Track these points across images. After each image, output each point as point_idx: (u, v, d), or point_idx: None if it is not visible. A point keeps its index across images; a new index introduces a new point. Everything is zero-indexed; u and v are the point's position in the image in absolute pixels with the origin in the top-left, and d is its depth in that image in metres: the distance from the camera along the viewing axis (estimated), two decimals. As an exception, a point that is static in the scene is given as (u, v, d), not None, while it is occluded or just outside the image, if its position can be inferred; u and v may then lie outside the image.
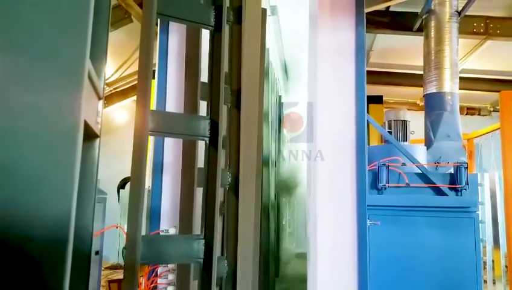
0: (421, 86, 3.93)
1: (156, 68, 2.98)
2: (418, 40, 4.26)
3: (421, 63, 3.92)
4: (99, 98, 0.98)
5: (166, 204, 2.84)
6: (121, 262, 6.60)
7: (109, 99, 7.63)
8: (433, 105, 3.68)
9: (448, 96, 3.61)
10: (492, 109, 8.37)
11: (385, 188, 3.01)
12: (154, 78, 2.99)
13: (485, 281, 5.05)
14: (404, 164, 3.08)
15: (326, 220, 2.75)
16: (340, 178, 2.77)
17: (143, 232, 2.81)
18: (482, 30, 4.68)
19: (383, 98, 7.07)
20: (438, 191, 3.00)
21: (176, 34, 2.97)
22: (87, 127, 0.83)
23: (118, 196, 6.76)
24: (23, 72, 0.65)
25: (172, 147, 2.84)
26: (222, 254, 1.76)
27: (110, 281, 5.30)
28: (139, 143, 1.47)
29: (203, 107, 1.90)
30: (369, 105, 6.16)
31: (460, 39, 3.98)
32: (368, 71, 2.98)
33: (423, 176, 3.03)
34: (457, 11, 3.74)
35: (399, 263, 2.91)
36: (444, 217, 2.92)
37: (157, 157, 2.88)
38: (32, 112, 0.64)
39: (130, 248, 1.43)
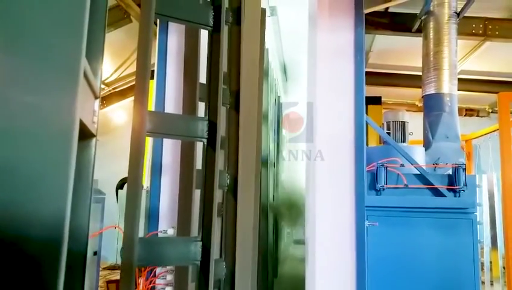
0: (420, 87, 3.93)
1: (155, 68, 2.98)
2: (417, 41, 4.27)
3: (419, 64, 3.92)
4: (96, 97, 0.98)
5: (165, 205, 2.84)
6: (120, 262, 6.58)
7: (108, 99, 7.62)
8: (431, 106, 3.68)
9: (447, 97, 3.61)
10: (490, 110, 8.38)
11: (383, 189, 3.01)
12: (153, 78, 2.99)
13: (483, 282, 5.07)
14: (402, 165, 3.09)
15: (324, 220, 2.75)
16: (339, 179, 2.78)
17: (141, 233, 2.82)
18: (480, 31, 4.69)
19: (382, 99, 7.08)
20: (436, 192, 3.00)
21: (175, 34, 2.97)
22: (83, 126, 0.83)
23: (117, 196, 6.74)
24: (17, 71, 0.64)
25: (171, 148, 2.84)
26: (221, 255, 1.76)
27: (109, 282, 5.30)
28: (136, 144, 1.46)
29: (203, 108, 1.90)
30: (368, 106, 6.18)
31: (459, 40, 3.99)
32: (366, 72, 2.98)
33: (421, 177, 3.04)
34: (456, 12, 3.74)
35: (397, 264, 2.91)
36: (442, 218, 2.93)
37: (156, 158, 2.88)
38: (27, 110, 0.64)
39: (127, 250, 1.42)
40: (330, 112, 2.84)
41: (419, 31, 4.18)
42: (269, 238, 3.92)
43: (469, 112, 8.39)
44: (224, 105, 1.81)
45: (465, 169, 3.01)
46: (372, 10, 3.32)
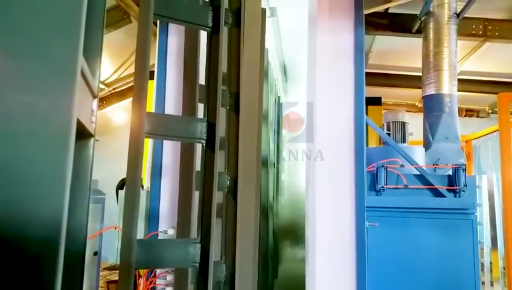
0: (420, 88, 3.94)
1: (155, 69, 2.98)
2: (417, 42, 4.27)
3: (419, 64, 3.93)
4: (94, 97, 0.97)
5: (165, 205, 2.84)
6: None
7: (108, 100, 7.62)
8: (431, 107, 3.69)
9: (446, 98, 3.62)
10: (490, 111, 8.38)
11: (383, 189, 3.01)
12: (153, 79, 2.99)
13: (483, 283, 5.07)
14: (402, 166, 3.09)
15: (324, 221, 2.75)
16: (339, 179, 2.78)
17: (141, 233, 2.83)
18: (480, 32, 4.70)
19: (382, 100, 7.08)
20: (436, 193, 3.00)
21: (176, 34, 2.97)
22: (80, 125, 0.82)
23: (117, 197, 6.73)
24: (13, 69, 0.63)
25: (171, 149, 2.84)
26: (222, 257, 1.75)
27: (109, 282, 5.30)
28: (135, 145, 1.45)
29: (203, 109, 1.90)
30: (368, 106, 6.18)
31: (459, 41, 3.99)
32: (366, 73, 2.98)
33: (421, 178, 3.04)
34: (456, 13, 3.75)
35: (397, 264, 2.92)
36: (442, 218, 2.93)
37: (156, 158, 2.88)
38: (23, 109, 0.63)
39: (125, 251, 1.41)
40: (330, 112, 2.84)
41: (419, 31, 4.18)
42: (269, 238, 3.92)
43: (469, 113, 8.39)
44: (224, 106, 1.81)
45: (465, 170, 3.02)
46: (372, 11, 3.33)
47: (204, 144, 1.67)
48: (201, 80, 1.90)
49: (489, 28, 4.69)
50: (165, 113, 2.90)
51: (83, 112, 0.84)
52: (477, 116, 8.47)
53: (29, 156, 0.63)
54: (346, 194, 2.76)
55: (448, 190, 2.99)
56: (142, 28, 1.51)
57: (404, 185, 3.02)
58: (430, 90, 3.69)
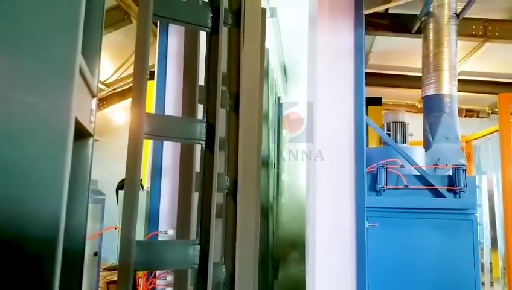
0: (420, 88, 3.94)
1: (156, 70, 2.98)
2: (417, 42, 4.27)
3: (419, 65, 3.93)
4: (93, 96, 0.96)
5: (165, 206, 2.85)
6: (120, 263, 6.55)
7: (108, 100, 7.62)
8: (431, 107, 3.68)
9: (446, 98, 3.62)
10: (490, 111, 8.38)
11: (383, 190, 3.01)
12: (153, 80, 2.99)
13: (483, 283, 5.07)
14: (402, 166, 3.09)
15: (324, 221, 2.75)
16: (339, 180, 2.78)
17: (142, 233, 2.83)
18: (480, 32, 4.70)
19: (382, 100, 7.08)
20: (437, 193, 3.00)
21: (176, 35, 2.97)
22: (79, 125, 0.82)
23: (117, 197, 6.73)
24: (10, 68, 0.63)
25: (171, 150, 2.84)
26: (222, 258, 1.74)
27: (109, 282, 5.30)
28: (134, 146, 1.44)
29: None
30: (368, 107, 6.18)
31: (459, 41, 3.99)
32: (366, 73, 2.98)
33: (421, 178, 3.04)
34: (456, 14, 3.75)
35: (397, 264, 2.91)
36: (442, 219, 2.93)
37: (156, 159, 2.88)
38: (20, 108, 0.62)
39: (124, 252, 1.40)
40: (330, 113, 2.84)
41: (419, 32, 4.18)
42: (269, 239, 3.92)
43: (469, 113, 8.39)
44: (224, 107, 1.80)
45: (465, 170, 3.02)
46: (372, 11, 3.33)
47: (203, 145, 1.66)
48: (202, 81, 1.90)
49: (490, 28, 4.69)
50: (166, 113, 2.90)
51: (82, 112, 0.83)
52: (477, 117, 8.47)
53: (27, 155, 0.62)
54: (347, 195, 2.76)
55: (448, 190, 2.99)
56: (141, 28, 1.50)
57: (404, 186, 3.01)
58: (430, 91, 3.69)
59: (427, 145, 3.64)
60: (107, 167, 6.51)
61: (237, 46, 1.82)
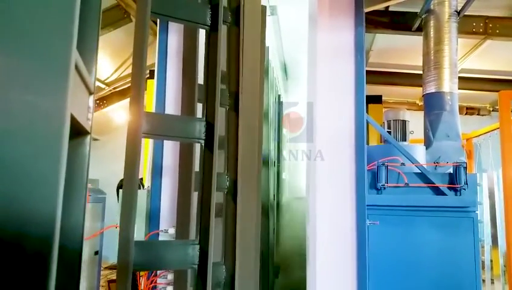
0: (421, 86, 3.93)
1: (156, 69, 2.97)
2: (417, 40, 4.26)
3: (420, 62, 3.92)
4: (90, 93, 0.95)
5: (166, 205, 2.85)
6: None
7: (109, 99, 7.62)
8: (432, 105, 3.68)
9: (447, 96, 3.61)
10: (491, 109, 8.37)
11: (384, 188, 3.01)
12: (153, 78, 2.99)
13: (484, 281, 5.07)
14: (403, 164, 3.09)
15: (325, 220, 2.75)
16: (340, 178, 2.77)
17: (142, 232, 2.83)
18: (481, 30, 4.69)
19: (383, 98, 7.07)
20: (437, 191, 3.00)
21: (176, 33, 2.96)
22: (76, 122, 0.80)
23: (117, 196, 6.74)
24: (2, 63, 0.61)
25: (171, 149, 2.84)
26: (222, 258, 1.73)
27: (110, 281, 5.31)
28: (132, 146, 1.42)
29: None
30: (369, 105, 6.17)
31: (460, 39, 3.99)
32: (367, 71, 2.98)
33: (422, 176, 3.04)
34: (456, 11, 3.74)
35: (398, 262, 2.92)
36: (443, 217, 2.93)
37: (156, 158, 2.88)
38: (13, 104, 0.61)
39: (123, 253, 1.39)
40: (330, 112, 2.84)
41: (419, 29, 4.17)
42: (270, 237, 3.92)
43: (470, 111, 8.38)
44: (224, 106, 1.79)
45: (466, 168, 3.01)
46: (372, 9, 3.32)
47: (203, 144, 1.64)
48: (202, 81, 1.89)
49: (490, 25, 4.68)
50: (166, 112, 2.90)
51: (78, 109, 0.82)
52: (478, 114, 8.47)
53: (21, 153, 0.61)
54: (347, 193, 2.75)
55: (449, 188, 2.99)
56: (140, 26, 1.48)
57: (405, 184, 3.01)
58: (431, 88, 3.69)
59: (427, 143, 3.63)
60: (107, 166, 6.51)
61: (236, 44, 1.81)
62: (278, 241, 5.22)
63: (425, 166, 3.16)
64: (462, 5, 3.86)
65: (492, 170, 5.85)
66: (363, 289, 2.64)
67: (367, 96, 2.89)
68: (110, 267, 6.86)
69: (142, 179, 3.70)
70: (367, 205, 2.73)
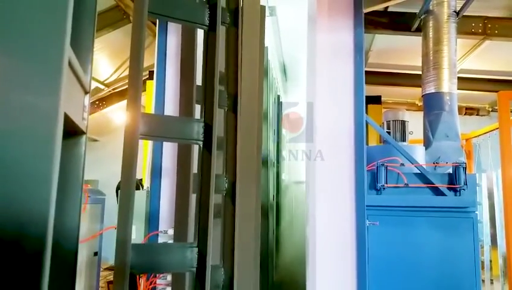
0: (420, 86, 3.93)
1: (155, 69, 2.97)
2: (416, 40, 4.27)
3: (419, 63, 3.92)
4: (86, 92, 0.93)
5: (165, 206, 2.85)
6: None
7: (108, 100, 7.61)
8: (431, 105, 3.68)
9: (446, 96, 3.61)
10: (490, 109, 8.37)
11: (384, 188, 3.01)
12: (152, 79, 2.98)
13: (483, 281, 5.07)
14: (402, 164, 3.08)
15: (325, 220, 2.75)
16: (339, 178, 2.77)
17: (142, 233, 2.82)
18: (480, 30, 4.69)
19: (382, 98, 7.07)
20: (437, 191, 3.00)
21: (175, 34, 2.96)
22: (70, 122, 0.79)
23: (117, 197, 6.73)
24: None
25: (171, 150, 2.84)
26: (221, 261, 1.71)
27: (109, 282, 5.30)
28: (129, 148, 1.40)
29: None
30: (368, 105, 6.18)
31: (459, 39, 3.99)
32: (366, 71, 2.98)
33: (422, 176, 3.04)
34: (455, 11, 3.74)
35: (398, 263, 2.91)
36: (442, 217, 2.92)
37: (155, 159, 2.88)
38: (4, 102, 0.59)
39: (120, 256, 1.36)
40: (330, 111, 2.84)
41: (418, 30, 4.17)
42: (269, 238, 3.92)
43: (469, 111, 8.38)
44: (222, 107, 1.78)
45: (465, 168, 3.01)
46: (371, 9, 3.33)
47: (201, 145, 1.63)
48: (201, 81, 1.88)
49: (489, 26, 4.68)
50: (165, 113, 2.90)
51: (73, 108, 0.80)
52: (477, 115, 8.47)
53: (12, 152, 0.60)
54: (347, 193, 2.75)
55: (448, 188, 2.99)
56: (137, 26, 1.47)
57: (405, 184, 3.01)
58: (430, 89, 3.69)
59: (427, 143, 3.63)
60: (107, 167, 6.51)
61: (235, 45, 1.80)
62: (278, 248, 5.20)
63: (424, 166, 3.16)
64: (461, 5, 3.86)
65: (491, 170, 5.85)
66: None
67: (366, 96, 2.89)
68: (110, 269, 6.85)
69: (141, 179, 3.70)
70: (366, 206, 2.73)
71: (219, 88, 1.70)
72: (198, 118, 1.67)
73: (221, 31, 1.77)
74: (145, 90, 5.28)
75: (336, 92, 2.84)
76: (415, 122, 4.12)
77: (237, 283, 1.62)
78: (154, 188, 2.87)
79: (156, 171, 2.88)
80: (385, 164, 3.04)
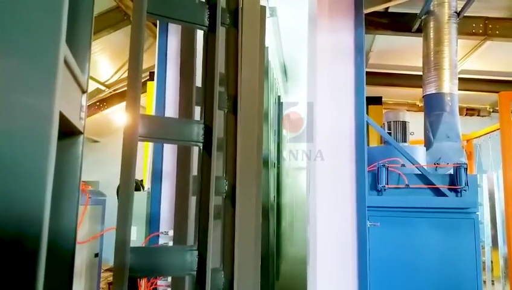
0: (421, 87, 3.93)
1: (155, 71, 2.97)
2: (417, 41, 4.26)
3: (420, 63, 3.92)
4: (83, 92, 0.92)
5: (166, 207, 2.85)
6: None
7: (109, 101, 7.62)
8: (432, 106, 3.67)
9: (447, 97, 3.61)
10: (491, 110, 8.36)
11: (385, 189, 3.00)
12: (153, 80, 2.98)
13: (484, 282, 5.06)
14: (403, 165, 3.08)
15: (325, 221, 2.75)
16: (340, 179, 2.77)
17: (143, 235, 2.82)
18: (481, 31, 4.68)
19: (383, 99, 7.07)
20: (438, 192, 2.99)
21: (176, 35, 2.96)
22: (67, 121, 0.78)
23: (118, 198, 6.72)
24: None
25: (171, 152, 2.84)
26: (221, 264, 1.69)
27: (110, 283, 5.29)
28: (128, 150, 1.38)
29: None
30: (369, 106, 6.17)
31: (460, 40, 3.98)
32: (367, 72, 2.97)
33: (423, 177, 3.03)
34: (456, 12, 3.73)
35: (399, 264, 2.91)
36: (443, 218, 2.92)
37: (156, 161, 2.88)
38: None
39: (119, 259, 1.35)
40: (330, 112, 2.83)
41: (419, 30, 4.17)
42: (270, 240, 3.91)
43: (470, 112, 8.37)
44: (222, 109, 1.77)
45: (466, 169, 3.00)
46: (372, 10, 3.33)
47: (201, 147, 1.61)
48: (201, 83, 1.88)
49: (490, 26, 4.68)
50: (166, 114, 2.90)
51: (70, 107, 0.79)
52: (478, 115, 8.46)
53: (6, 152, 0.59)
54: (348, 194, 2.75)
55: (449, 189, 2.98)
56: (136, 27, 1.45)
57: (406, 185, 3.01)
58: (431, 89, 3.68)
59: (428, 144, 3.63)
60: (108, 168, 6.51)
61: (235, 46, 1.79)
62: (279, 249, 5.19)
63: (425, 167, 3.16)
64: (462, 6, 3.86)
65: (492, 171, 5.83)
66: (363, 291, 2.63)
67: (367, 97, 2.88)
68: (110, 270, 6.84)
69: (142, 180, 3.70)
70: (367, 207, 2.72)
71: (219, 89, 1.69)
72: (198, 119, 1.66)
73: (221, 31, 1.76)
74: (145, 92, 5.28)
75: (336, 92, 2.84)
76: (415, 123, 4.11)
77: (237, 286, 1.61)
78: (155, 190, 2.87)
79: (157, 174, 2.88)
80: (386, 164, 3.03)
